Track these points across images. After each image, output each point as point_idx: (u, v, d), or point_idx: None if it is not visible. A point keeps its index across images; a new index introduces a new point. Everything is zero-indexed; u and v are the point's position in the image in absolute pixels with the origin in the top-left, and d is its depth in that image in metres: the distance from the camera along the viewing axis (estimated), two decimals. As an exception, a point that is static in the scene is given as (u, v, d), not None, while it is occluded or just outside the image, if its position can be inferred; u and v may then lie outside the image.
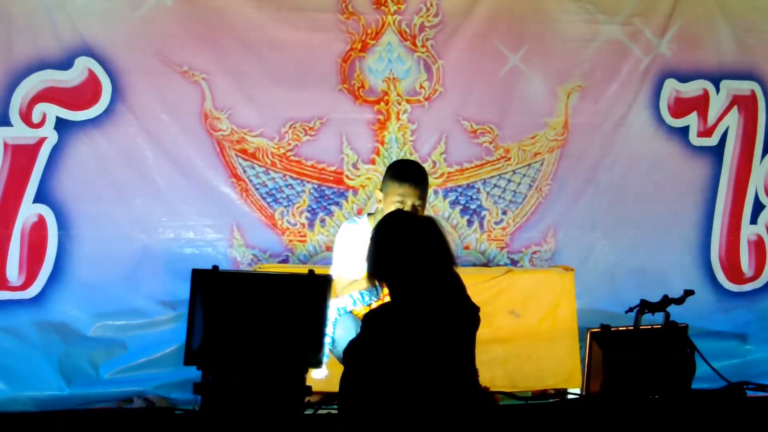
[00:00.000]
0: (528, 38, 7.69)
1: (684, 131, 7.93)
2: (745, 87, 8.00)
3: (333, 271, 5.93)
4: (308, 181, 7.44)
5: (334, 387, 6.17)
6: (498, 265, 7.57)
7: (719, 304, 7.91)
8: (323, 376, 5.54)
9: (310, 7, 7.42)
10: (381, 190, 5.99)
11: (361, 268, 5.19)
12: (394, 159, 7.37)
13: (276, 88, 7.38)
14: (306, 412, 5.14)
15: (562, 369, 6.99)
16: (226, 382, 4.98)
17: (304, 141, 7.42)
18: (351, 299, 5.63)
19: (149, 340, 7.11)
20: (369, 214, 6.03)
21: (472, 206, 7.63)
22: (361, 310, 5.64)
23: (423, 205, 5.81)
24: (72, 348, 6.99)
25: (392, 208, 5.69)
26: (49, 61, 7.02)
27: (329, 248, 7.40)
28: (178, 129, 7.25)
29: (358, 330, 5.37)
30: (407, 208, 5.67)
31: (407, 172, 5.93)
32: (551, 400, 6.79)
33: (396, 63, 7.51)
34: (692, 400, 5.51)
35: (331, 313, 5.59)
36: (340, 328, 5.68)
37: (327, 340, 5.38)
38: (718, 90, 7.95)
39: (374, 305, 5.62)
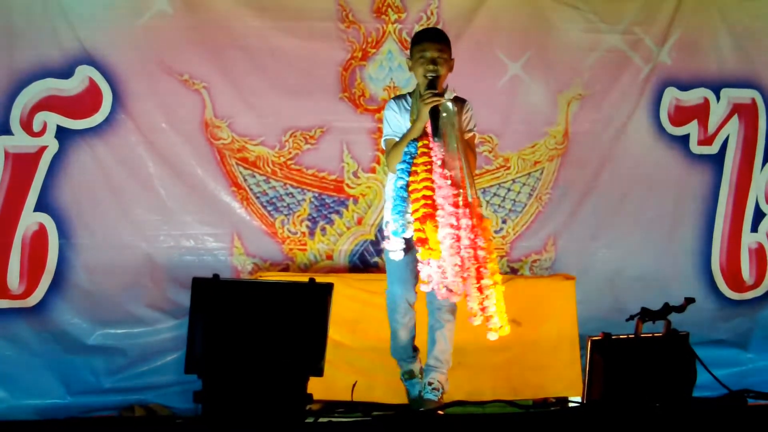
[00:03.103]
0: (529, 47, 7.71)
1: (684, 139, 7.94)
2: (745, 95, 8.02)
3: (383, 139, 5.94)
4: (309, 190, 7.45)
5: (336, 395, 6.22)
6: (498, 274, 7.57)
7: (720, 312, 7.92)
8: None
9: (311, 15, 7.43)
10: (409, 58, 5.92)
11: (400, 129, 5.73)
12: (394, 167, 7.40)
13: (276, 96, 7.40)
14: (307, 421, 5.12)
15: (563, 377, 7.00)
16: (227, 391, 4.97)
17: (304, 149, 7.42)
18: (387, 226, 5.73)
19: (150, 349, 7.12)
20: (410, 93, 5.95)
21: (472, 215, 7.63)
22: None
23: (445, 59, 5.77)
24: (73, 356, 7.00)
25: (419, 67, 5.75)
26: (50, 70, 7.04)
27: (329, 257, 7.43)
28: (178, 137, 7.26)
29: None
30: (427, 61, 5.72)
31: (423, 33, 6.01)
32: (552, 409, 6.79)
33: (396, 71, 7.53)
34: (693, 408, 5.50)
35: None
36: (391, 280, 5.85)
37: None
38: (718, 98, 7.96)
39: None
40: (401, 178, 5.64)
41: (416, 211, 5.54)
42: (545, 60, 7.76)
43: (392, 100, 5.97)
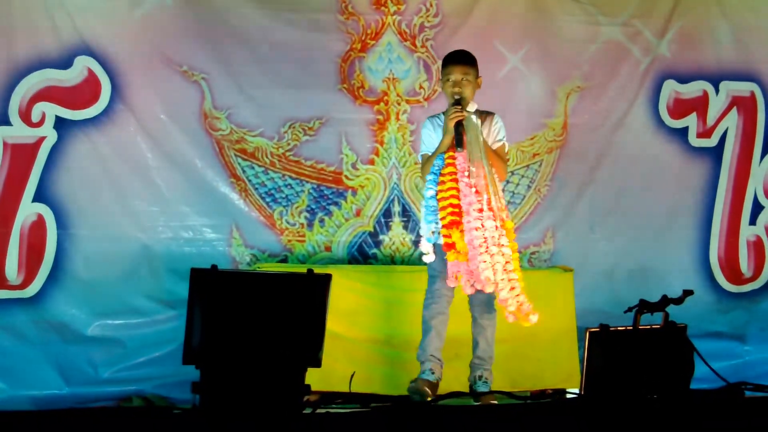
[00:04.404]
0: (528, 39, 7.71)
1: (683, 132, 7.94)
2: (744, 88, 8.01)
3: (420, 153, 6.44)
4: (307, 181, 7.45)
5: (334, 386, 6.22)
6: (497, 266, 7.56)
7: (718, 304, 7.92)
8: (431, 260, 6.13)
9: (310, 7, 7.43)
10: (440, 80, 6.49)
11: (434, 145, 6.19)
12: (393, 159, 7.43)
13: (275, 88, 7.39)
14: (305, 411, 5.13)
15: (561, 369, 7.00)
16: (225, 382, 4.97)
17: (303, 141, 7.42)
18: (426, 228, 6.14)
19: (148, 340, 7.11)
20: (444, 112, 6.32)
21: (471, 207, 7.62)
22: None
23: (469, 80, 6.30)
24: (71, 347, 6.99)
25: (446, 89, 6.30)
26: (49, 61, 7.03)
27: (328, 248, 7.42)
28: (177, 129, 7.25)
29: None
30: (452, 84, 6.26)
31: (449, 56, 6.47)
32: (550, 400, 6.80)
33: (396, 63, 7.52)
34: (691, 400, 5.51)
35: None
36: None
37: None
38: (717, 91, 7.96)
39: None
40: (430, 188, 6.13)
41: (443, 218, 5.98)
42: (544, 52, 7.75)
43: (427, 120, 6.45)
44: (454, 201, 5.96)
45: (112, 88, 7.12)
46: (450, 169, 6.04)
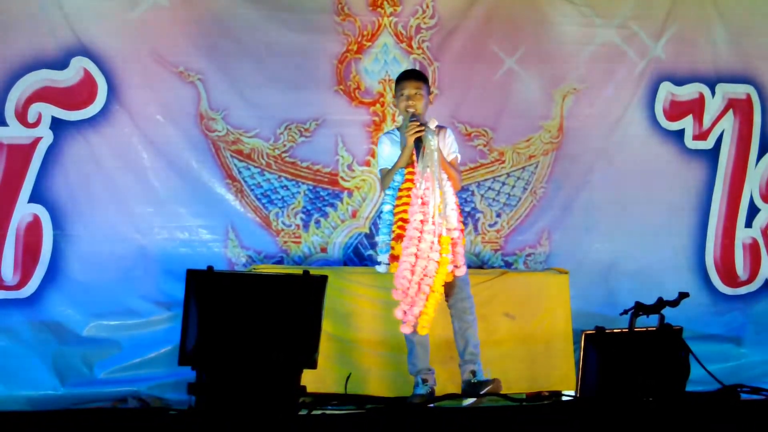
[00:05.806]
0: (524, 41, 7.71)
1: (679, 134, 7.95)
2: (740, 90, 8.02)
3: (378, 168, 6.52)
4: (303, 183, 7.44)
5: (329, 388, 6.22)
6: (492, 268, 7.57)
7: (714, 307, 7.93)
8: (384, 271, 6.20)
9: (306, 8, 7.43)
10: (394, 97, 6.54)
11: (393, 160, 6.23)
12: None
13: (271, 89, 7.39)
14: (300, 413, 5.12)
15: (557, 371, 7.00)
16: (221, 383, 4.97)
17: (299, 142, 7.42)
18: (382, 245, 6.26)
19: (144, 340, 7.11)
20: (398, 128, 6.42)
21: (467, 209, 7.62)
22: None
23: (422, 95, 6.31)
24: (66, 347, 6.99)
25: (401, 103, 6.35)
26: (45, 61, 7.03)
27: (324, 250, 7.42)
28: (173, 129, 7.25)
29: None
30: (406, 98, 6.30)
31: (402, 74, 6.53)
32: (545, 402, 6.79)
33: (392, 65, 7.52)
34: (686, 402, 5.51)
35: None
36: None
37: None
38: (713, 93, 7.97)
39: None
40: (387, 203, 6.25)
41: (393, 231, 6.09)
42: (540, 54, 7.76)
43: (383, 135, 6.51)
44: (405, 216, 6.05)
45: (108, 88, 7.12)
46: (408, 184, 6.13)
